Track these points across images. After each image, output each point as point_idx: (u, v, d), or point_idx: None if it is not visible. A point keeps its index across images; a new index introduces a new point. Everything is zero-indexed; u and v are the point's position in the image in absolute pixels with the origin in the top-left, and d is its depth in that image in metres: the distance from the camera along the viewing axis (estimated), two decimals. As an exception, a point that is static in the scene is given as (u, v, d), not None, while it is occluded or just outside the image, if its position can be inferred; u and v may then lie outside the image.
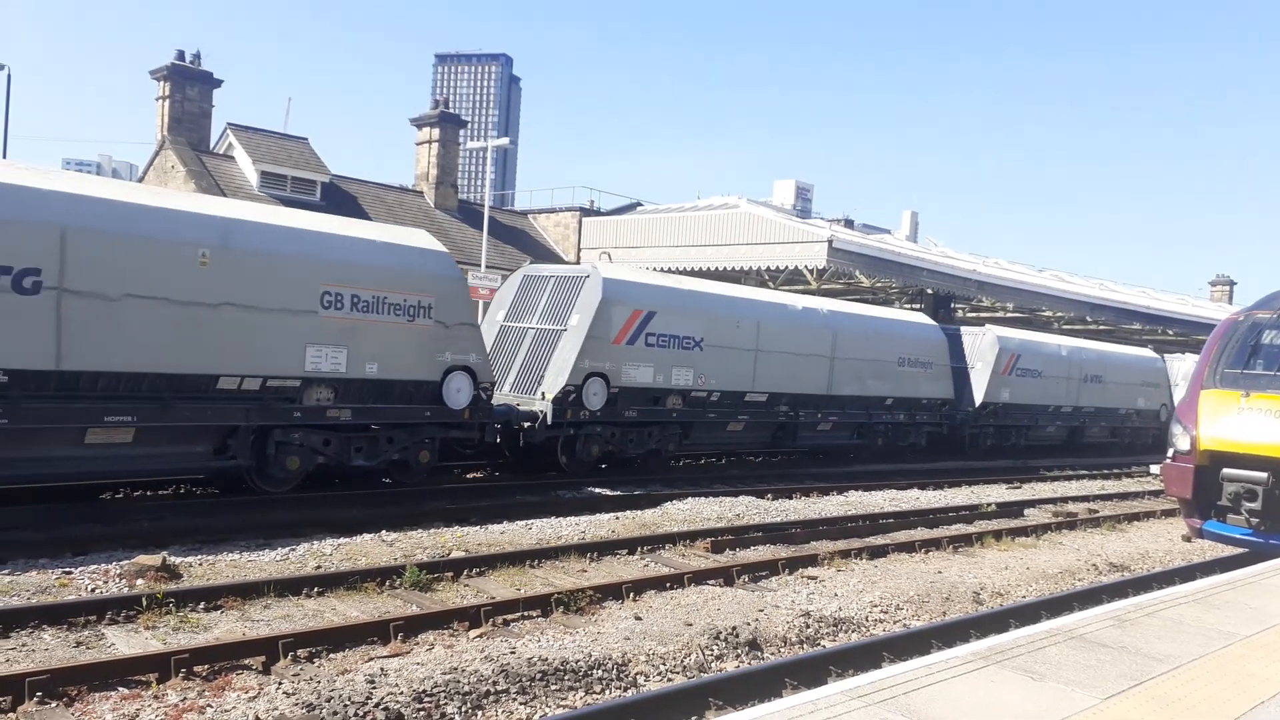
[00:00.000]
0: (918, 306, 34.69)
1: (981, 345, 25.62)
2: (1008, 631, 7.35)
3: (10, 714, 5.55)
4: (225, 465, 11.56)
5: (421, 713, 6.03)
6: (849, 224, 41.19)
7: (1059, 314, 38.30)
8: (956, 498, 17.81)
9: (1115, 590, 10.81)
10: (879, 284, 33.02)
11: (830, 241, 28.79)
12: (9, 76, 30.00)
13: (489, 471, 16.35)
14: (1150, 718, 4.95)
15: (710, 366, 17.52)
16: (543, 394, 15.38)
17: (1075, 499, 18.78)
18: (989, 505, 16.24)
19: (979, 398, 25.15)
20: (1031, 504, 17.54)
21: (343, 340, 12.15)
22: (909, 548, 12.33)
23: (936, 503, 16.78)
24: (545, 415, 15.09)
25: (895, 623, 9.21)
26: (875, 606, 9.47)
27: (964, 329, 26.70)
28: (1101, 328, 40.40)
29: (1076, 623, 6.88)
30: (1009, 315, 39.12)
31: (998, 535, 13.65)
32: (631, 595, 8.95)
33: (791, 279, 33.29)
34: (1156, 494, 20.26)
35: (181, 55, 30.37)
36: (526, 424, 14.99)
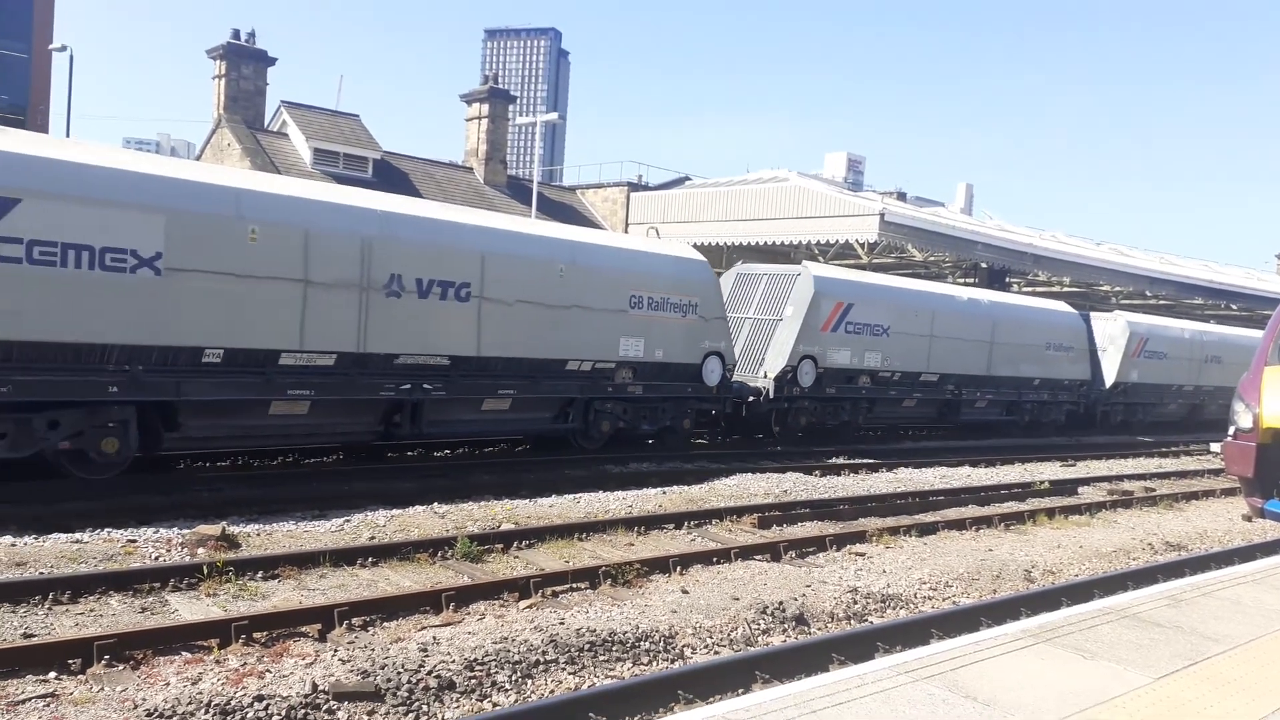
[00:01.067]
0: (971, 281, 34.13)
1: (1113, 330, 27.90)
2: (1059, 610, 7.28)
3: (80, 675, 5.77)
4: (562, 428, 15.12)
5: (473, 680, 6.15)
6: (901, 197, 40.53)
7: (1118, 289, 37.43)
8: (1009, 475, 17.59)
9: (1171, 570, 10.62)
10: (932, 258, 32.54)
11: (882, 215, 28.39)
12: (71, 57, 30.70)
13: (712, 438, 19.25)
14: (1204, 698, 4.88)
15: (894, 350, 20.56)
16: (765, 373, 18.54)
17: (1131, 477, 18.44)
18: (1042, 483, 16.01)
19: (1110, 379, 27.44)
20: (1086, 482, 17.25)
21: (641, 332, 15.65)
22: (959, 525, 12.22)
23: (988, 480, 16.60)
24: (767, 390, 18.27)
25: (944, 600, 9.15)
26: (924, 584, 9.42)
27: (1094, 315, 28.72)
28: (1162, 303, 39.41)
29: (1130, 602, 6.79)
30: (1065, 290, 38.33)
31: (1050, 513, 13.47)
32: (678, 569, 9.01)
33: (842, 253, 32.93)
34: (1216, 473, 19.80)
35: (236, 34, 30.80)
36: (752, 398, 18.17)
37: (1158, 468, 20.79)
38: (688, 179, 39.91)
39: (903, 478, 16.16)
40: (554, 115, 36.51)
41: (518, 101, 39.44)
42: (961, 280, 35.28)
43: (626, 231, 35.89)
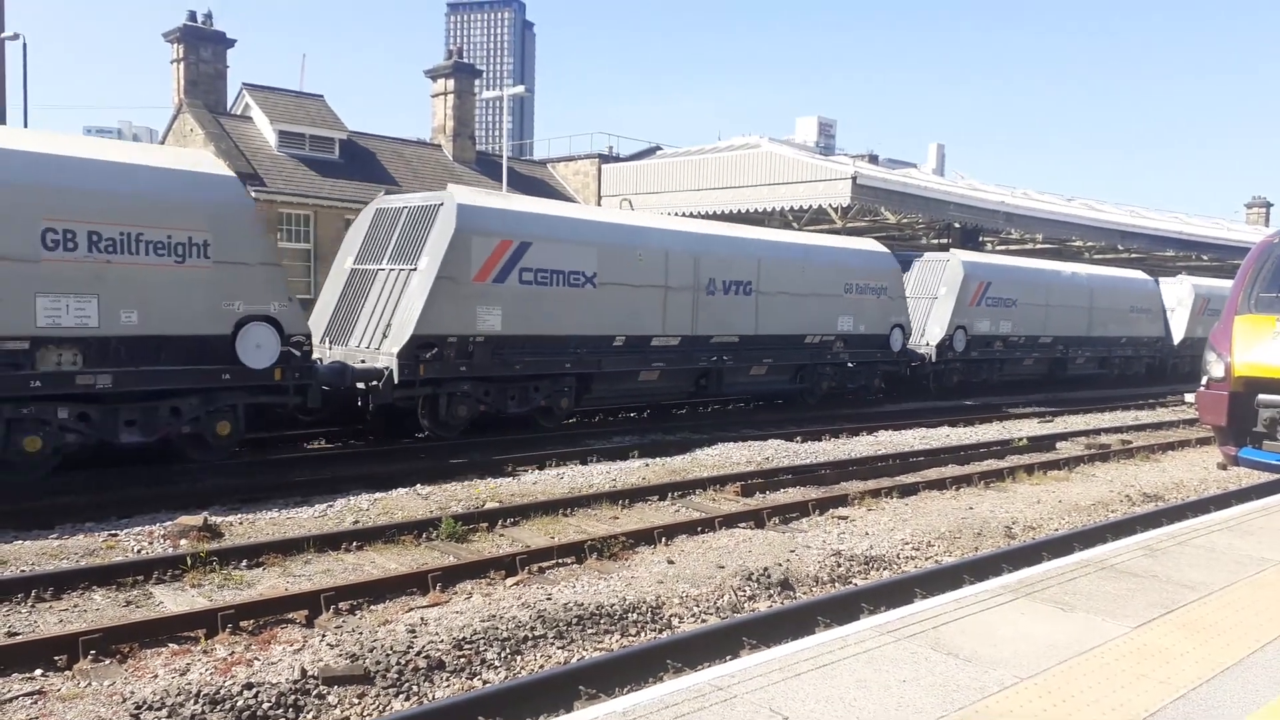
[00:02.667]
0: (945, 241, 34.26)
1: (1180, 292, 32.06)
2: (1039, 564, 7.39)
3: (67, 671, 5.76)
4: (795, 388, 19.85)
5: (462, 659, 6.19)
6: (873, 160, 40.54)
7: (1089, 243, 37.67)
8: (987, 434, 17.77)
9: (1149, 520, 10.80)
10: (905, 220, 32.61)
11: (854, 178, 28.38)
12: (24, 45, 30.02)
13: (887, 394, 22.61)
14: (1179, 645, 4.98)
15: (1021, 319, 25.51)
16: (926, 341, 23.31)
17: (1108, 430, 18.68)
18: (1020, 440, 16.19)
19: (1178, 336, 31.77)
20: (1064, 437, 17.47)
21: (850, 310, 20.21)
22: (940, 485, 12.36)
23: (967, 439, 16.76)
24: (930, 355, 23.17)
25: (927, 559, 9.28)
26: (906, 544, 9.53)
27: (1163, 280, 32.53)
28: (1133, 256, 39.74)
29: (1108, 553, 6.90)
30: (1038, 246, 38.56)
31: (1029, 470, 13.64)
32: (663, 540, 9.07)
33: (816, 218, 32.94)
34: (1191, 423, 20.09)
35: (193, 16, 30.20)
36: (915, 363, 22.86)
37: (1134, 420, 21.07)
38: (659, 149, 39.72)
39: (883, 440, 16.29)
40: (521, 88, 36.15)
41: (484, 75, 38.99)
42: (935, 241, 35.43)
43: (599, 204, 35.73)
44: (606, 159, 38.10)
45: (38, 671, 5.72)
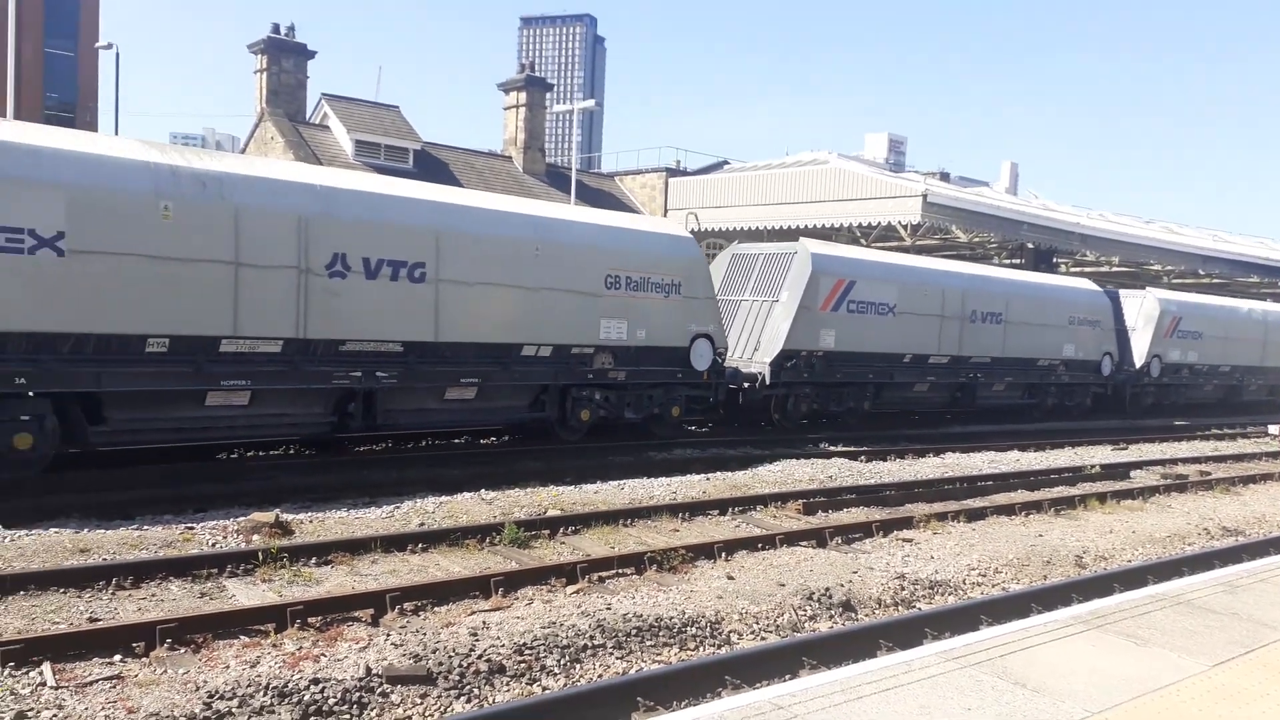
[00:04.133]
0: (1017, 262, 33.61)
1: None
2: (1111, 596, 7.19)
3: (144, 658, 5.95)
4: (1027, 402, 23.35)
5: (522, 664, 6.24)
6: (945, 177, 39.98)
7: (1168, 267, 36.64)
8: (1058, 459, 17.36)
9: (1228, 555, 10.43)
10: (976, 239, 32.09)
11: (925, 196, 28.03)
12: (117, 55, 31.23)
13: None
14: (1261, 685, 4.81)
15: (1205, 350, 28.28)
16: (1126, 368, 26.20)
17: (1185, 460, 18.10)
18: (1093, 467, 15.78)
19: None
20: (1138, 465, 16.97)
21: (1072, 339, 23.58)
22: (1008, 510, 12.10)
23: (1037, 465, 16.40)
24: (1148, 375, 26.41)
25: (993, 586, 9.09)
26: (973, 570, 9.35)
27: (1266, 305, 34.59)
28: (1215, 281, 38.51)
29: (1184, 588, 6.70)
30: (1113, 270, 37.61)
31: (1102, 498, 13.27)
32: (723, 555, 9.03)
33: (884, 235, 32.59)
34: (1276, 455, 19.36)
35: (276, 28, 31.14)
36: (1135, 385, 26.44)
37: (1213, 451, 20.38)
38: (726, 163, 39.72)
39: (950, 463, 16.01)
40: (591, 102, 36.50)
41: (554, 89, 39.49)
42: (1007, 261, 34.77)
43: (665, 216, 35.84)
44: (674, 173, 38.21)
45: (116, 657, 5.92)
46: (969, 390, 21.60)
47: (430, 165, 31.70)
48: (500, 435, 15.43)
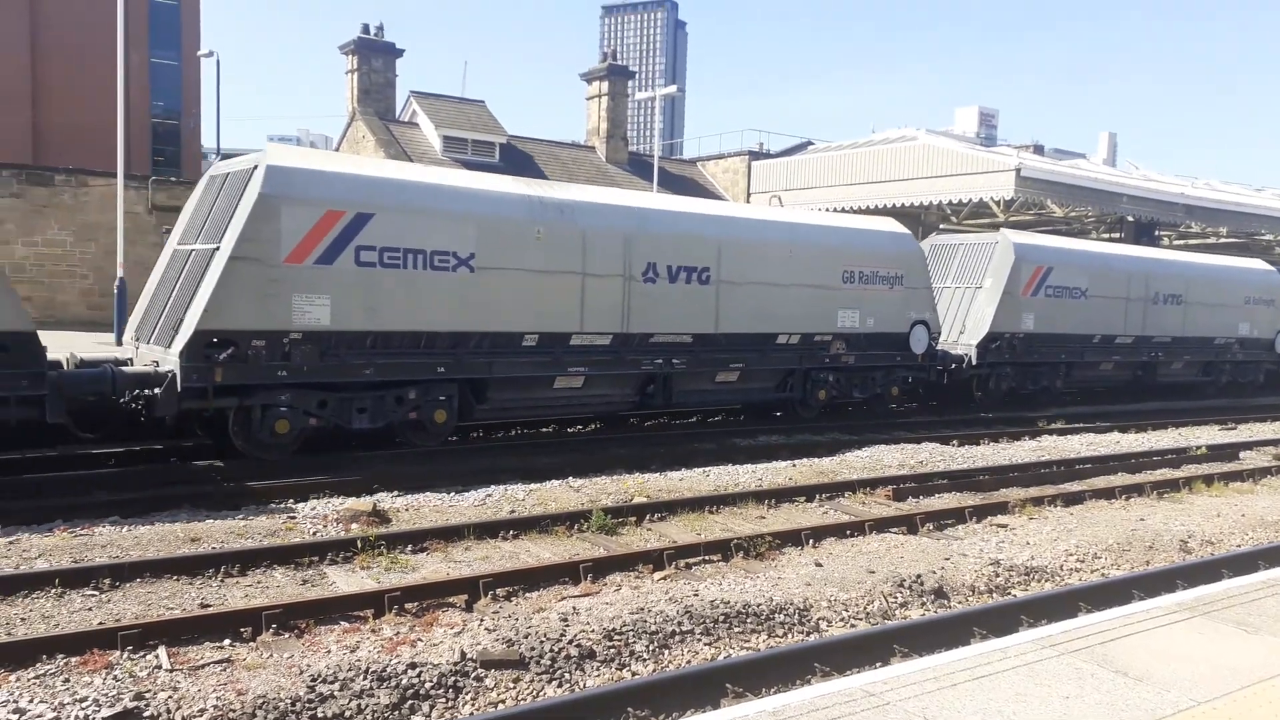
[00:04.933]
0: (1117, 236, 32.34)
1: None
2: (1219, 582, 6.91)
3: (251, 642, 6.23)
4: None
5: (612, 650, 6.32)
6: (1038, 150, 38.63)
7: (1281, 237, 34.78)
8: (1161, 441, 16.71)
9: (1348, 539, 9.90)
10: (1073, 213, 30.99)
11: (1018, 170, 27.19)
12: (218, 63, 32.45)
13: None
14: (1385, 677, 4.57)
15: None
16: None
17: (1301, 440, 17.20)
18: (1199, 448, 15.14)
19: None
20: (1248, 446, 16.22)
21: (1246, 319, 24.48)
22: (1108, 494, 11.71)
23: (1138, 446, 15.81)
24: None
25: (1092, 572, 8.82)
26: (1070, 555, 9.08)
27: None
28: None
29: (1299, 574, 6.39)
30: (1222, 240, 35.86)
31: (1208, 480, 12.73)
32: (811, 542, 8.98)
33: (976, 212, 31.74)
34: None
35: (366, 29, 31.93)
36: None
37: (1332, 429, 19.32)
38: (810, 144, 39.17)
39: (1046, 446, 15.56)
40: (673, 88, 36.41)
41: (636, 76, 39.49)
42: (1106, 235, 33.48)
43: (749, 200, 35.57)
44: (757, 155, 37.89)
45: (226, 641, 6.21)
46: (1150, 368, 22.59)
47: (516, 158, 32.12)
48: (588, 424, 15.58)
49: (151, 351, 10.89)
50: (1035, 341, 19.73)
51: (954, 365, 18.58)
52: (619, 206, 13.70)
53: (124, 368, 10.48)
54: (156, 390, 10.19)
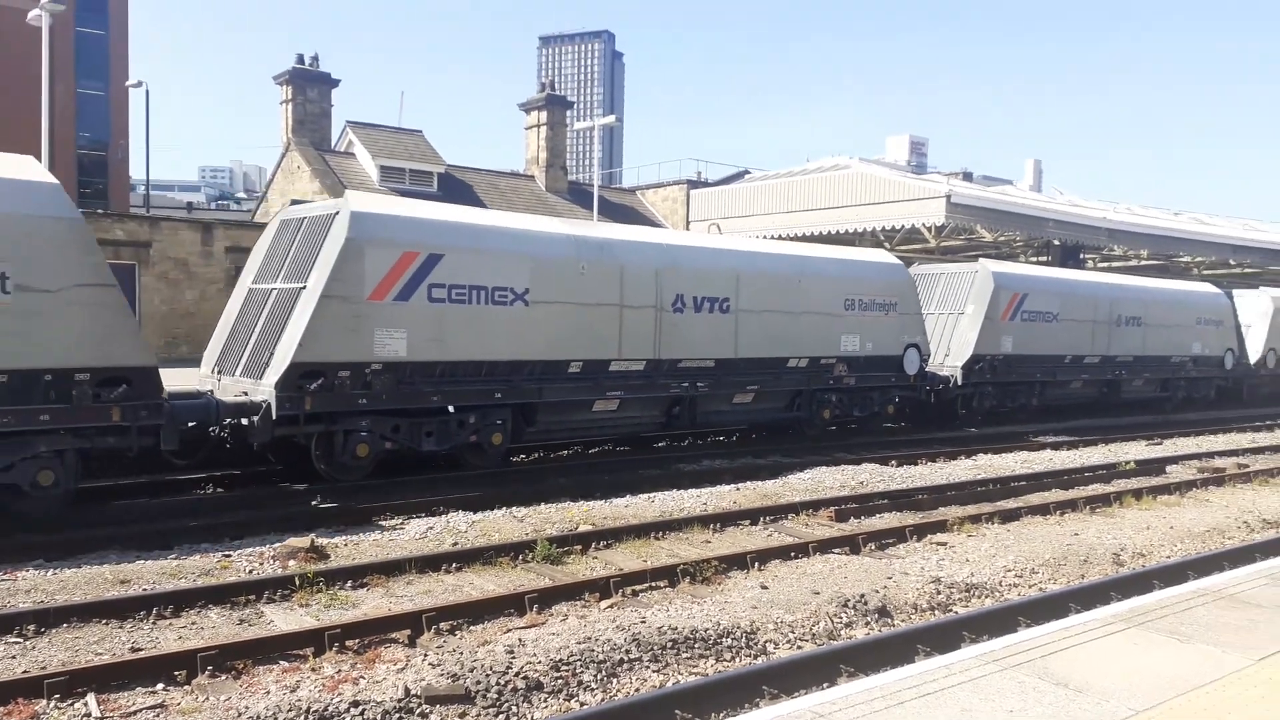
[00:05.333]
0: (1044, 259, 33.32)
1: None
2: (1151, 593, 7.09)
3: (186, 686, 6.02)
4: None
5: (559, 680, 6.25)
6: (968, 177, 39.69)
7: (1198, 258, 36.17)
8: (1092, 457, 17.15)
9: (1270, 548, 10.26)
10: (1002, 238, 31.86)
11: (949, 197, 27.90)
12: (147, 92, 31.85)
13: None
14: (1310, 680, 4.73)
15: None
16: (1249, 358, 27.53)
17: (1222, 454, 17.81)
18: (1127, 463, 15.58)
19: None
20: (1174, 460, 16.74)
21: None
22: (1043, 510, 11.97)
23: (1071, 463, 16.21)
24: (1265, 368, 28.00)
25: (1030, 587, 8.99)
26: (1009, 571, 9.26)
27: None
28: (1246, 271, 37.94)
29: (1226, 582, 6.60)
30: (1143, 263, 37.16)
31: (1138, 494, 13.10)
32: (756, 565, 9.01)
33: (909, 238, 32.43)
34: (1316, 445, 18.97)
35: (301, 59, 31.62)
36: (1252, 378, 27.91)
37: (1250, 443, 20.04)
38: (747, 173, 39.74)
39: (982, 464, 15.87)
40: (611, 118, 36.69)
41: (574, 106, 39.72)
42: (1034, 259, 34.46)
43: (688, 228, 35.91)
44: (695, 184, 38.29)
45: (159, 685, 6.00)
46: (1114, 386, 24.08)
47: (454, 188, 32.00)
48: (530, 453, 15.48)
49: (238, 383, 11.63)
50: (1013, 362, 21.18)
51: (940, 385, 19.83)
52: (650, 243, 15.06)
53: (223, 399, 11.17)
54: (253, 419, 10.93)
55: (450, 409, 12.57)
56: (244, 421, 11.10)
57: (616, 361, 14.11)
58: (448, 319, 12.22)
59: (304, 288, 11.44)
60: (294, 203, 14.39)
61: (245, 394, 11.25)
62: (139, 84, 31.99)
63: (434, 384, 12.28)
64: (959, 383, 19.99)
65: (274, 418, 10.95)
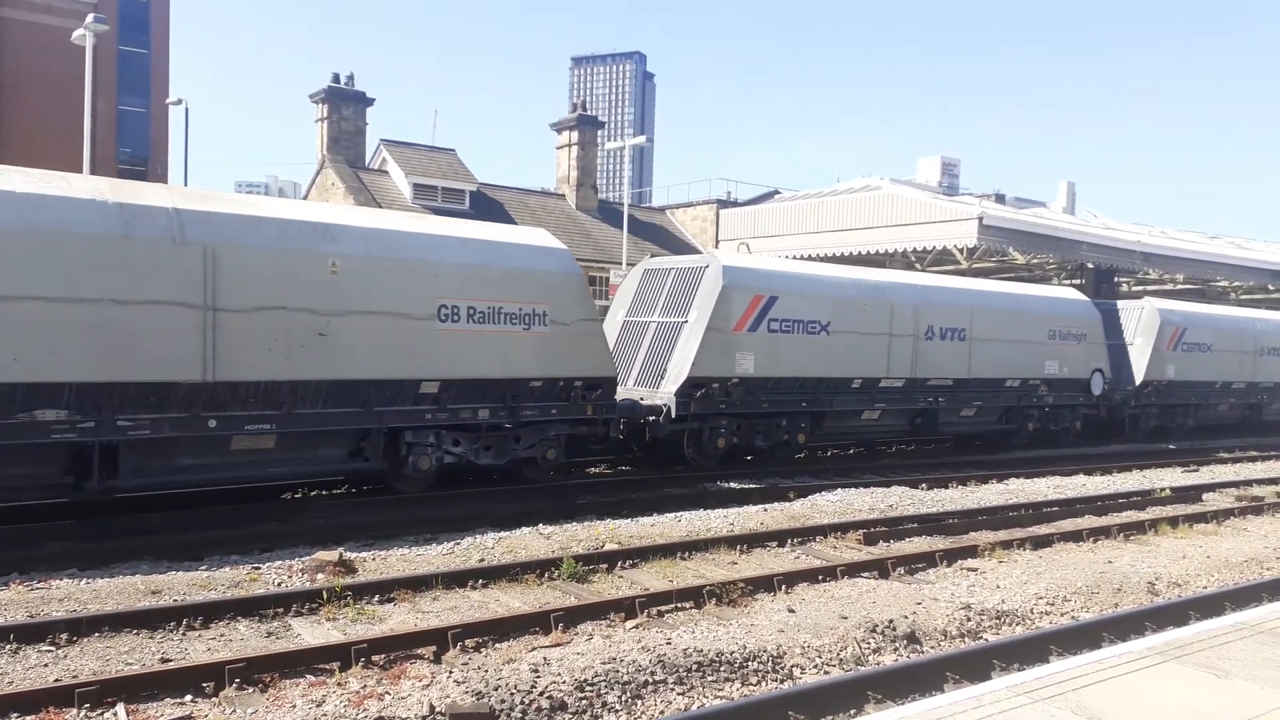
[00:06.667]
0: (1077, 283, 32.95)
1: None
2: (1187, 625, 6.96)
3: (214, 698, 6.06)
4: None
5: (584, 701, 6.22)
6: (1000, 199, 39.36)
7: (1235, 283, 35.62)
8: (1126, 483, 16.88)
9: (1311, 580, 10.01)
10: (1034, 260, 31.57)
11: (980, 219, 27.70)
12: (186, 110, 32.41)
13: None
14: (1353, 718, 4.61)
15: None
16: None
17: (1261, 481, 17.47)
18: (1163, 490, 15.31)
19: None
20: (1210, 488, 16.43)
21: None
22: (1076, 537, 11.79)
23: (1104, 489, 15.96)
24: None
25: (1063, 615, 8.84)
26: (1041, 598, 9.11)
27: None
28: (1287, 296, 37.31)
29: (1267, 615, 6.46)
30: (1179, 287, 36.65)
31: (1173, 522, 12.86)
32: (783, 587, 8.93)
33: (940, 259, 32.22)
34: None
35: (336, 78, 32.06)
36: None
37: (1291, 472, 19.63)
38: (777, 193, 39.68)
39: (1014, 489, 15.67)
40: (642, 138, 36.80)
41: (606, 126, 39.94)
42: (1066, 282, 34.09)
43: (716, 247, 35.90)
44: (724, 204, 38.31)
45: (188, 697, 6.04)
46: (1256, 409, 25.00)
47: (486, 206, 32.23)
48: (558, 469, 15.51)
49: (630, 392, 15.25)
50: (1175, 387, 24.29)
51: (1115, 404, 22.82)
52: (910, 284, 18.86)
53: (640, 402, 14.86)
54: (657, 418, 14.69)
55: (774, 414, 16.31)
56: (649, 419, 14.75)
57: (885, 379, 17.54)
58: (778, 345, 15.93)
59: (686, 321, 15.45)
60: (652, 256, 18.75)
61: (642, 399, 14.94)
62: (179, 101, 32.53)
63: (766, 394, 16.01)
64: (1132, 404, 23.03)
65: (672, 416, 14.64)
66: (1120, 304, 25.75)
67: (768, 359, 15.71)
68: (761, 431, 16.12)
